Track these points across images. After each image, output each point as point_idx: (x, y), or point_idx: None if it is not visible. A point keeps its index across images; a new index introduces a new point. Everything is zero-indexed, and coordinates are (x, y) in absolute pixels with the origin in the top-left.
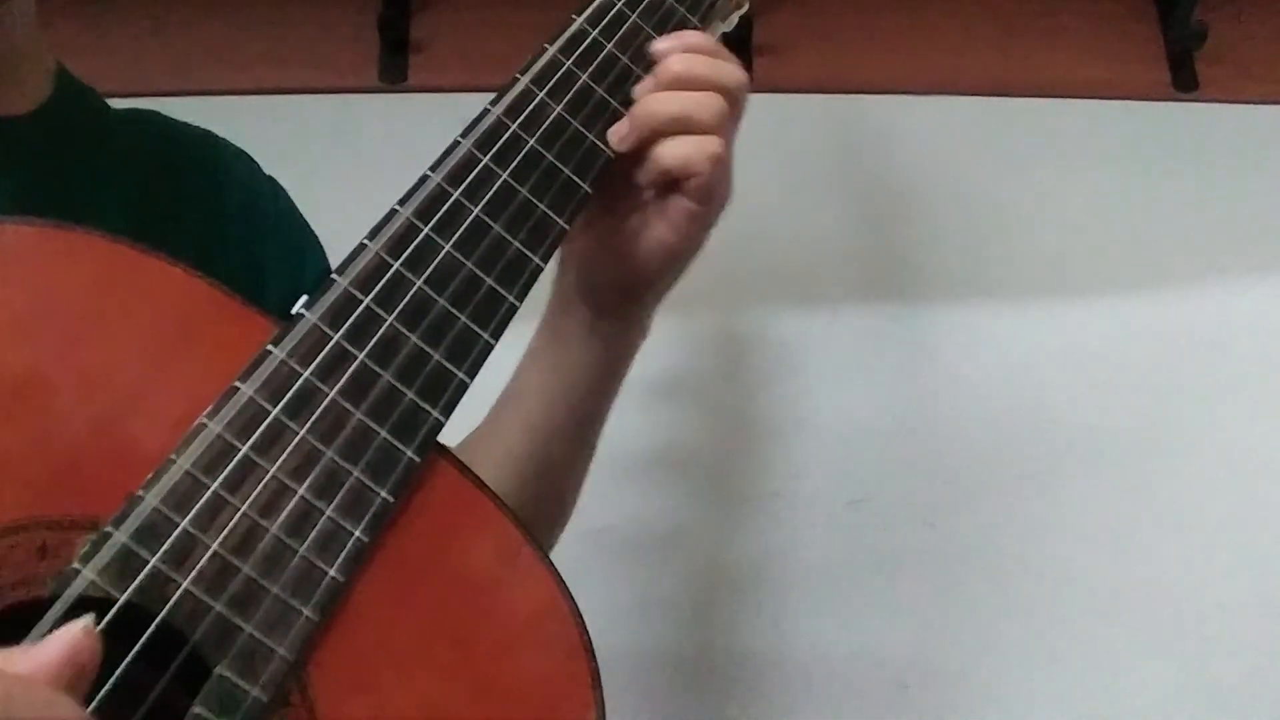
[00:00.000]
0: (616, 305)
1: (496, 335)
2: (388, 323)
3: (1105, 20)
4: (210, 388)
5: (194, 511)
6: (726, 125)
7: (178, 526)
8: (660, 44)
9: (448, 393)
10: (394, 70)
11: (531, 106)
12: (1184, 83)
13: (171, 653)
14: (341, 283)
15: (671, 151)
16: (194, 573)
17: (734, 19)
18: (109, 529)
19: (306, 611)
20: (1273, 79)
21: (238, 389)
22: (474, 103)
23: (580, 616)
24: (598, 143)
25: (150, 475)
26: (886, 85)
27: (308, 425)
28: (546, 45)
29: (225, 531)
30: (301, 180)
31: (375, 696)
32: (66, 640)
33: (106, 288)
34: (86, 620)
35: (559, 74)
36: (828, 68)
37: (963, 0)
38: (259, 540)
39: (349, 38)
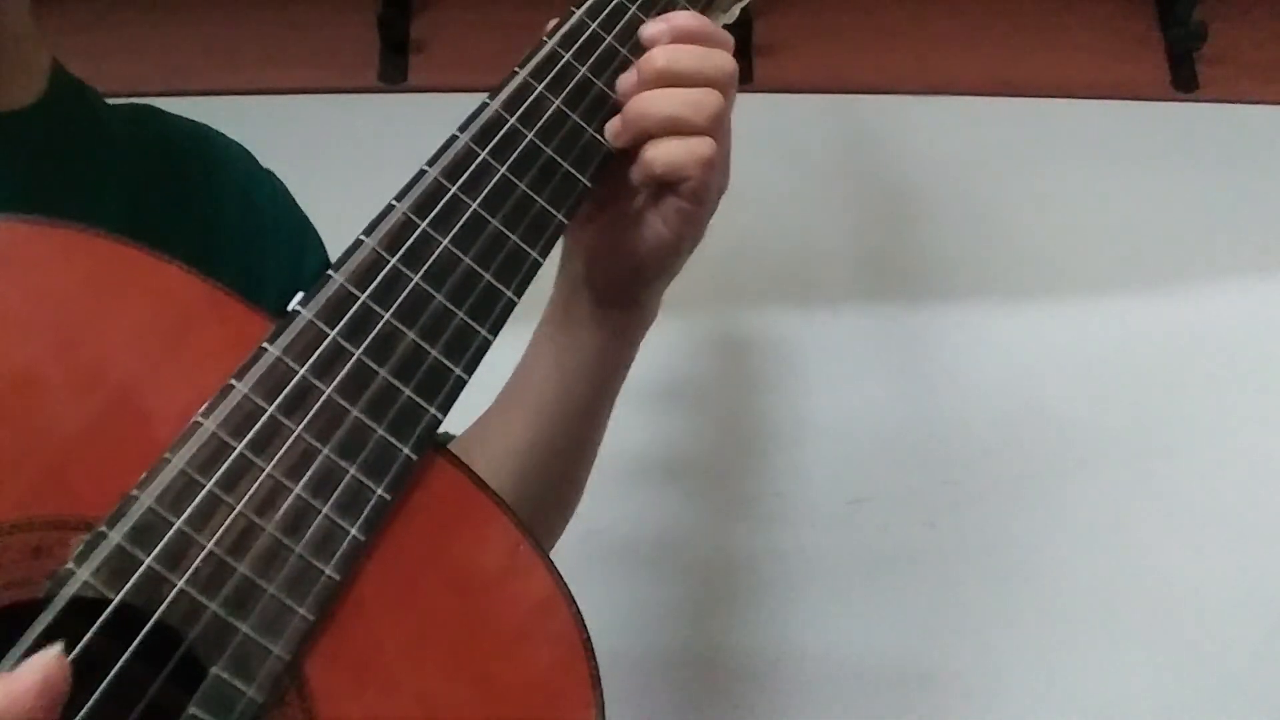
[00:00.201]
0: (623, 292)
1: (494, 331)
2: (384, 319)
3: (1105, 20)
4: (206, 386)
5: (189, 511)
6: (720, 122)
7: (173, 526)
8: (648, 29)
9: (445, 389)
10: (394, 70)
11: (530, 100)
12: (1184, 83)
13: (167, 653)
14: (338, 279)
15: (661, 156)
16: (189, 573)
17: (735, 11)
18: (104, 529)
19: (303, 611)
20: (1273, 79)
21: (233, 387)
22: (474, 103)
23: (580, 615)
24: (597, 136)
25: (145, 474)
26: (886, 85)
27: (304, 423)
28: (546, 38)
29: (221, 531)
30: (301, 180)
31: (373, 696)
32: (38, 668)
33: (102, 286)
34: (57, 648)
35: (558, 67)
36: (828, 68)
37: (963, 0)
38: (255, 539)
39: (349, 38)
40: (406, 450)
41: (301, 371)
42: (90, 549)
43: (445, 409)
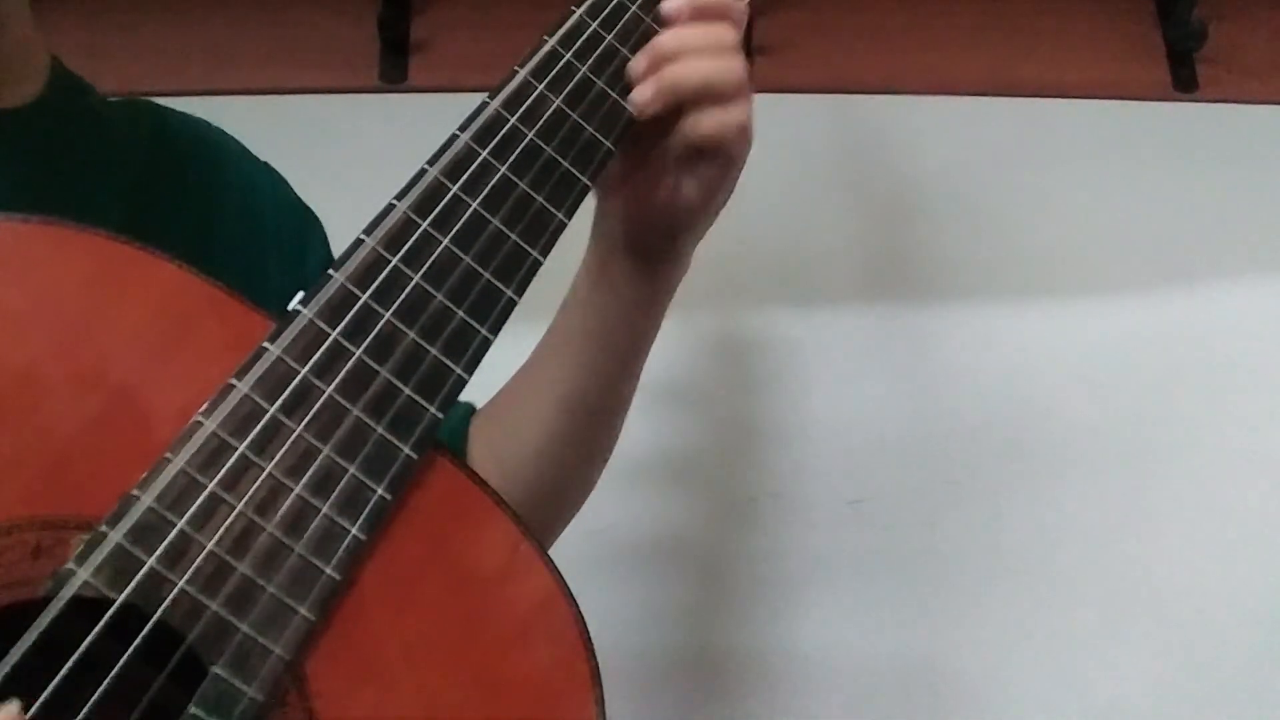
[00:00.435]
0: (656, 249)
1: (495, 330)
2: (385, 319)
3: (1105, 20)
4: (206, 386)
5: (190, 511)
6: (748, 87)
7: (174, 526)
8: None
9: (445, 389)
10: (394, 70)
11: (530, 99)
12: (1184, 83)
13: (167, 652)
14: (338, 278)
15: (702, 128)
16: (190, 572)
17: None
18: (104, 528)
19: (303, 610)
20: (1273, 79)
21: (234, 386)
22: (474, 103)
23: (580, 614)
24: (597, 135)
25: (145, 474)
26: (886, 85)
27: (304, 423)
28: (546, 37)
29: (221, 530)
30: (302, 180)
31: (373, 695)
32: None
33: (102, 285)
34: (14, 705)
35: (558, 66)
36: (828, 68)
37: (963, 0)
38: (255, 539)
39: (349, 38)
40: (407, 450)
41: (302, 371)
42: (91, 549)
43: (445, 408)
